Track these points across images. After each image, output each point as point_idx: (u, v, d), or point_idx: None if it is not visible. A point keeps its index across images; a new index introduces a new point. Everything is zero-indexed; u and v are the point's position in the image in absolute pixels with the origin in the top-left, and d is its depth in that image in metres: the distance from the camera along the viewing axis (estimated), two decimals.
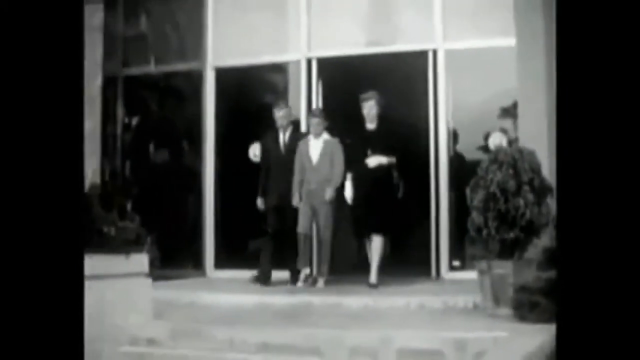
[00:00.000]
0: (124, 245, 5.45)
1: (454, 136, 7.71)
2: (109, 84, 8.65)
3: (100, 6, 8.33)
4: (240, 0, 8.51)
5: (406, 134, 7.28)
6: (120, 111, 8.93)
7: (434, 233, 7.58)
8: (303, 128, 7.80)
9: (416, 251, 7.71)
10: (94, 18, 8.22)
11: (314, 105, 8.06)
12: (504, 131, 7.37)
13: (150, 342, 5.28)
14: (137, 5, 8.98)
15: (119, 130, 8.92)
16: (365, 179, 6.91)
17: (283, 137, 7.42)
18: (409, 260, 7.73)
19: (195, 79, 8.64)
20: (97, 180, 7.12)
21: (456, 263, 7.46)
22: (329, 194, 7.06)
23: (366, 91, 7.03)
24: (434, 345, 4.65)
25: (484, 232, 5.46)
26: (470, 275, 5.88)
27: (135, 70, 8.96)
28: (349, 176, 7.03)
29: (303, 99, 8.06)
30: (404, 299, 6.12)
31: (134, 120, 9.10)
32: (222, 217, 8.37)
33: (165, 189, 8.66)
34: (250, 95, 7.55)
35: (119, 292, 5.27)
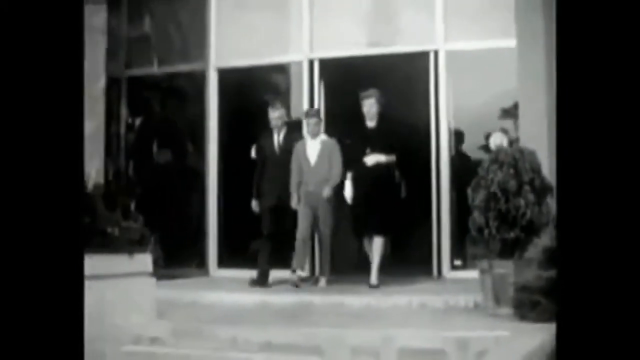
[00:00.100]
0: (128, 245, 5.45)
1: (455, 136, 7.72)
2: (112, 84, 8.68)
3: (104, 7, 8.36)
4: (243, 2, 8.52)
5: (406, 133, 7.27)
6: (123, 112, 8.95)
7: (435, 232, 7.59)
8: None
9: (418, 250, 7.73)
10: (97, 19, 8.25)
11: (316, 106, 8.07)
12: (504, 131, 7.37)
13: (154, 341, 5.27)
14: (140, 6, 8.99)
15: (122, 130, 8.93)
16: (365, 178, 6.88)
17: (278, 138, 7.36)
18: (410, 259, 7.75)
19: (198, 80, 8.65)
20: (101, 180, 7.11)
21: (457, 262, 7.46)
22: (326, 192, 7.03)
23: (366, 89, 7.01)
24: (435, 344, 4.65)
25: (485, 231, 5.48)
26: (472, 274, 5.89)
27: (138, 71, 8.98)
28: (348, 175, 6.99)
29: (305, 99, 8.07)
30: (405, 298, 6.14)
31: (137, 121, 9.11)
32: (225, 216, 8.38)
33: (169, 189, 8.67)
34: (253, 96, 7.58)
35: (122, 292, 5.27)
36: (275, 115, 7.32)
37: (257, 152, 7.51)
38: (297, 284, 6.94)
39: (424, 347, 4.66)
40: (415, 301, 6.06)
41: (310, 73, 8.19)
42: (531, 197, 5.40)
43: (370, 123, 7.01)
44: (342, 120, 7.61)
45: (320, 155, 7.12)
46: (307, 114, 7.37)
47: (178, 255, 8.04)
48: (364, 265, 6.98)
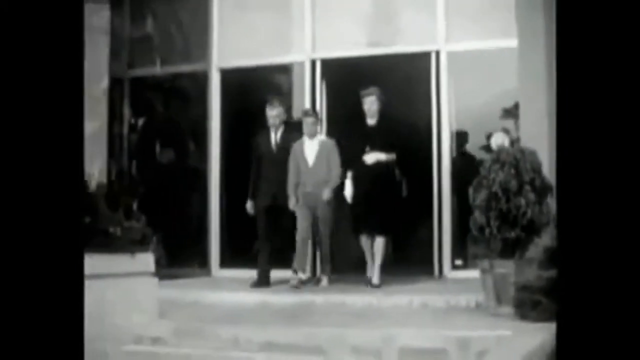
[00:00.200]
0: (130, 245, 5.49)
1: (458, 137, 7.73)
2: (115, 85, 8.71)
3: (107, 8, 8.39)
4: (245, 2, 8.54)
5: (407, 132, 7.26)
6: (126, 112, 8.97)
7: (436, 232, 7.60)
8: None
9: (419, 250, 7.74)
10: (100, 20, 8.28)
11: (318, 106, 8.09)
12: (505, 131, 7.36)
13: (156, 340, 5.31)
14: (142, 7, 9.02)
15: (125, 130, 8.96)
16: (365, 177, 6.85)
17: (275, 136, 7.31)
18: (411, 259, 7.77)
19: (200, 80, 8.67)
20: (104, 180, 7.14)
21: (459, 262, 7.46)
22: (326, 194, 7.00)
23: (366, 86, 6.99)
24: (436, 344, 4.67)
25: (486, 231, 5.49)
26: (473, 274, 5.89)
27: (141, 72, 9.01)
28: (348, 174, 6.96)
29: (307, 99, 8.09)
30: (406, 297, 6.15)
31: (140, 121, 9.13)
32: (227, 216, 8.39)
33: (171, 188, 8.69)
34: (255, 96, 7.59)
35: (124, 292, 5.31)
36: (273, 113, 7.27)
37: (253, 150, 7.43)
38: (297, 286, 6.91)
39: (426, 346, 4.69)
40: (417, 301, 6.07)
41: (312, 73, 8.20)
42: (532, 196, 5.41)
43: (371, 121, 6.99)
44: (343, 121, 7.62)
45: (319, 156, 7.08)
46: (305, 114, 7.32)
47: (180, 255, 8.06)
48: (365, 264, 6.96)
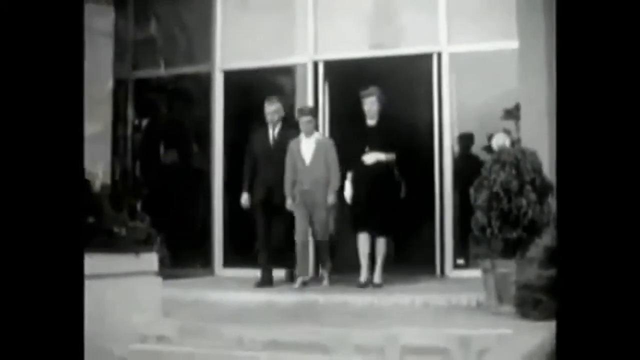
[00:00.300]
0: (134, 245, 5.50)
1: (462, 138, 7.76)
2: (119, 86, 8.75)
3: (111, 10, 8.44)
4: (248, 4, 8.57)
5: (408, 133, 7.26)
6: (130, 113, 9.00)
7: (438, 232, 7.64)
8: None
9: (421, 250, 7.76)
10: (104, 22, 8.34)
11: (320, 107, 8.13)
12: (506, 132, 7.39)
13: (160, 339, 5.33)
14: (146, 9, 9.05)
15: (129, 131, 8.98)
16: (364, 177, 6.81)
17: (273, 133, 7.24)
18: (413, 258, 7.76)
19: (203, 82, 8.71)
20: (108, 180, 7.18)
21: (460, 261, 7.48)
22: (331, 199, 6.97)
23: (367, 87, 6.97)
24: (438, 342, 4.69)
25: (488, 231, 5.50)
26: (474, 273, 5.90)
27: (145, 73, 9.04)
28: (348, 175, 6.92)
29: (310, 101, 8.12)
30: (408, 297, 6.16)
31: (144, 122, 9.14)
32: (230, 217, 8.41)
33: (175, 189, 8.72)
34: (258, 98, 7.61)
35: (128, 291, 5.33)
36: (271, 109, 7.21)
37: (250, 145, 7.36)
38: (300, 289, 6.89)
39: (427, 345, 4.70)
40: (418, 300, 6.08)
41: (314, 75, 8.25)
42: (533, 196, 5.42)
43: (371, 121, 6.95)
44: (346, 121, 7.64)
45: (316, 154, 7.01)
46: (301, 112, 7.23)
47: (184, 255, 8.07)
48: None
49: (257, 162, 7.25)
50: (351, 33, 8.20)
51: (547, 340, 4.13)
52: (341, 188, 7.00)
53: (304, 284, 6.96)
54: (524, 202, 5.42)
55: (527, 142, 6.21)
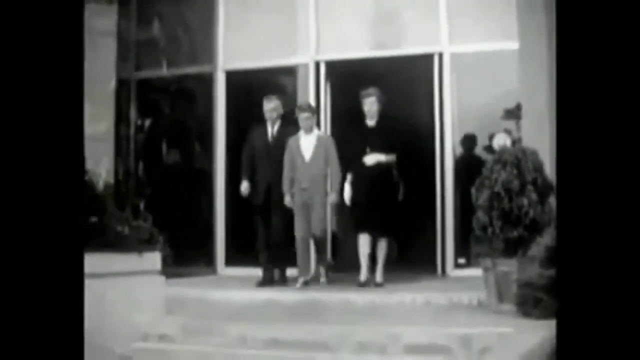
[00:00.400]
0: (138, 244, 5.52)
1: (465, 139, 7.79)
2: (122, 86, 8.79)
3: (115, 11, 8.47)
4: (250, 5, 8.60)
5: (408, 133, 7.24)
6: (133, 113, 9.02)
7: (439, 231, 7.66)
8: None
9: (422, 249, 7.78)
10: (108, 23, 8.38)
11: (322, 107, 8.15)
12: (507, 132, 7.41)
13: (162, 338, 5.35)
14: (149, 10, 9.08)
15: (132, 131, 8.99)
16: (364, 178, 6.78)
17: (271, 130, 7.22)
18: (415, 258, 7.78)
19: (206, 82, 8.73)
20: (111, 180, 7.20)
21: (461, 261, 7.50)
22: (333, 198, 6.96)
23: (367, 87, 6.95)
24: (439, 341, 4.71)
25: (489, 230, 5.52)
26: (475, 272, 5.91)
27: (147, 74, 9.07)
28: (348, 177, 6.89)
29: (311, 101, 8.14)
30: (410, 295, 6.16)
31: (147, 122, 9.16)
32: (233, 216, 8.44)
33: (177, 189, 8.74)
34: (260, 97, 7.64)
35: (132, 290, 5.36)
36: (270, 106, 7.19)
37: (248, 141, 7.32)
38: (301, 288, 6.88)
39: (429, 343, 4.72)
40: (420, 299, 6.09)
41: (316, 75, 8.28)
42: (534, 196, 5.43)
43: (371, 122, 6.93)
44: (347, 122, 7.66)
45: (316, 151, 6.97)
46: (299, 109, 7.17)
47: (186, 254, 8.06)
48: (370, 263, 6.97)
49: (256, 159, 7.23)
50: (353, 33, 8.23)
51: (547, 338, 4.14)
52: (340, 189, 6.98)
53: (306, 283, 6.96)
54: (525, 201, 5.44)
55: (527, 142, 6.23)
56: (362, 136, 6.90)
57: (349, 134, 7.21)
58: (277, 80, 8.72)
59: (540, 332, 4.35)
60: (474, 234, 5.70)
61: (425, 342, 4.75)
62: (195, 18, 8.97)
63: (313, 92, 8.24)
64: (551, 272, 4.73)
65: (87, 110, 3.73)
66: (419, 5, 8.03)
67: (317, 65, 8.30)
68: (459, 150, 7.82)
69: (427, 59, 7.85)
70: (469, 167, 7.42)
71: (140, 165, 9.04)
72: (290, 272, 7.22)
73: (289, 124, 7.26)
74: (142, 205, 7.02)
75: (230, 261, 8.43)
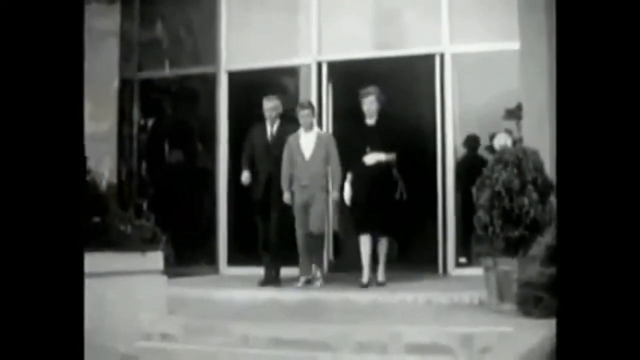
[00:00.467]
0: (140, 244, 5.54)
1: (460, 137, 7.81)
2: (125, 86, 8.82)
3: (117, 11, 8.50)
4: (253, 6, 8.62)
5: (409, 132, 7.24)
6: (136, 113, 9.04)
7: (441, 231, 7.68)
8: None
9: (423, 248, 7.78)
10: (110, 23, 8.41)
11: (324, 107, 8.17)
12: (508, 132, 7.43)
13: (165, 337, 5.37)
14: (152, 10, 9.11)
15: (134, 131, 9.01)
16: (364, 178, 6.75)
17: (271, 129, 7.21)
18: (416, 257, 7.78)
19: (208, 82, 8.76)
20: (114, 180, 7.23)
21: (462, 260, 7.53)
22: (334, 195, 6.94)
23: (366, 87, 6.94)
24: (440, 340, 4.72)
25: (490, 230, 5.52)
26: (476, 271, 5.91)
27: (150, 74, 9.09)
28: (348, 177, 6.87)
29: (314, 101, 8.15)
30: (411, 295, 6.17)
31: (150, 122, 9.18)
32: (235, 216, 8.47)
33: (180, 188, 8.77)
34: (262, 98, 7.66)
35: (134, 289, 5.38)
36: (269, 105, 7.18)
37: (247, 141, 7.31)
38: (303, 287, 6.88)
39: (430, 342, 4.73)
40: (421, 298, 6.09)
41: (318, 75, 8.31)
42: (534, 196, 5.44)
43: (370, 121, 6.91)
44: (347, 121, 7.67)
45: (316, 149, 6.96)
46: (300, 106, 7.15)
47: (189, 253, 8.10)
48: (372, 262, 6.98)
49: (255, 157, 7.23)
50: (354, 34, 8.25)
51: (547, 338, 4.15)
52: (341, 188, 6.97)
53: (307, 282, 6.96)
54: (525, 201, 5.44)
55: (528, 142, 6.24)
56: (361, 135, 6.88)
57: (348, 133, 7.21)
58: (279, 81, 8.74)
59: (541, 331, 4.36)
60: (475, 233, 5.70)
61: (426, 342, 4.75)
62: (198, 18, 8.99)
63: (315, 92, 8.27)
64: (551, 271, 4.73)
65: (89, 110, 3.75)
66: (420, 6, 8.06)
67: (319, 65, 8.33)
68: (462, 150, 7.83)
69: (429, 59, 7.88)
70: (472, 167, 7.42)
71: (143, 165, 9.06)
72: (292, 271, 7.23)
73: (289, 123, 7.26)
74: (144, 205, 7.02)
75: (232, 261, 8.45)
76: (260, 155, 7.21)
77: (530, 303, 5.00)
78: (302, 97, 8.28)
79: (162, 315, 5.58)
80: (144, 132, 9.14)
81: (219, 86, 8.68)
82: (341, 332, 4.99)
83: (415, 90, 8.02)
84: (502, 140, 7.14)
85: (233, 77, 8.67)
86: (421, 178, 7.60)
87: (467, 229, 6.33)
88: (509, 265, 5.38)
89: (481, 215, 5.60)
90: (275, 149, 7.10)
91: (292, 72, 8.66)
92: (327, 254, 8.07)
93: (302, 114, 7.03)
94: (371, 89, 6.90)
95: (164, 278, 5.75)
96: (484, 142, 7.69)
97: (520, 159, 5.55)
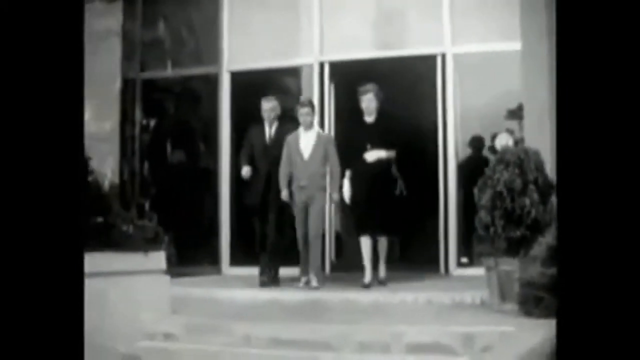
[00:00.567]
0: (143, 243, 5.56)
1: (462, 137, 7.81)
2: (127, 87, 8.84)
3: (119, 11, 8.52)
4: (255, 6, 8.64)
5: (411, 132, 7.24)
6: (138, 113, 9.05)
7: (442, 231, 7.70)
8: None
9: (425, 248, 7.80)
10: (113, 23, 8.43)
11: (326, 108, 8.18)
12: (510, 132, 7.45)
13: (167, 337, 5.38)
14: (154, 11, 9.12)
15: (137, 131, 9.02)
16: (364, 176, 6.72)
17: (269, 130, 7.18)
18: (418, 257, 7.81)
19: (211, 82, 8.78)
20: (116, 180, 7.25)
21: (464, 260, 7.55)
22: (335, 197, 6.91)
23: (365, 84, 6.92)
24: (442, 339, 4.72)
25: (491, 230, 5.52)
26: (478, 271, 5.93)
27: (152, 74, 9.11)
28: (347, 174, 6.84)
29: (316, 101, 8.17)
30: (412, 295, 6.16)
31: (152, 122, 9.19)
32: (237, 216, 8.47)
33: (182, 188, 8.79)
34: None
35: (137, 289, 5.40)
36: (268, 106, 7.15)
37: (247, 141, 7.29)
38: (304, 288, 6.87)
39: (431, 342, 4.73)
40: (423, 298, 6.09)
41: (320, 75, 8.32)
42: (536, 196, 5.44)
43: (369, 118, 6.88)
44: (347, 119, 7.67)
45: (315, 149, 6.90)
46: (300, 105, 7.08)
47: (191, 253, 8.11)
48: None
49: (254, 158, 7.20)
50: (356, 34, 8.27)
51: (548, 338, 4.15)
52: (340, 187, 6.94)
53: (308, 282, 6.94)
54: (527, 201, 5.44)
55: (530, 142, 6.25)
56: (361, 133, 6.85)
57: (348, 131, 7.20)
58: (281, 81, 8.76)
59: (542, 331, 4.36)
60: (477, 233, 5.70)
61: (427, 341, 4.76)
62: (200, 19, 9.01)
63: (317, 92, 8.28)
64: (552, 271, 4.72)
65: (92, 110, 3.77)
66: (422, 6, 8.08)
67: (321, 65, 8.34)
68: (467, 151, 7.84)
69: (430, 59, 7.90)
70: (477, 168, 7.42)
71: (145, 165, 9.06)
72: (293, 271, 7.24)
73: (288, 123, 7.23)
74: (147, 205, 7.05)
75: (234, 261, 8.46)
76: (258, 156, 7.19)
77: (531, 303, 5.01)
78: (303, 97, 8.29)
79: (165, 315, 5.60)
80: (146, 132, 9.16)
81: (221, 86, 8.69)
82: (343, 332, 5.00)
83: (417, 90, 8.04)
84: (503, 141, 7.15)
85: (235, 77, 8.68)
86: (423, 178, 7.62)
87: (468, 229, 6.33)
88: (510, 265, 5.39)
89: (483, 215, 5.60)
90: (274, 149, 7.07)
91: (294, 72, 8.68)
92: (329, 254, 8.08)
93: (302, 112, 6.99)
94: (369, 86, 6.88)
95: (167, 278, 5.76)
96: (485, 142, 7.71)
97: (521, 159, 5.55)
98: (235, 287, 7.11)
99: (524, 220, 5.45)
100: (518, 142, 6.99)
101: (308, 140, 6.97)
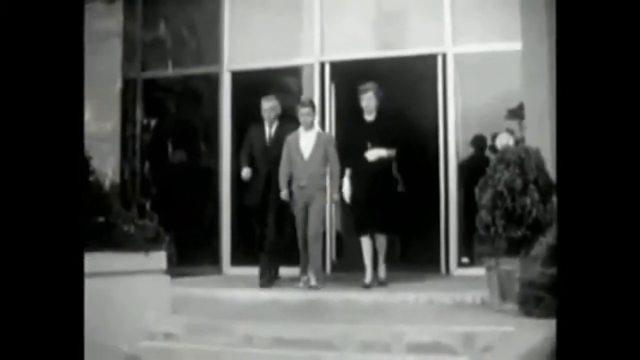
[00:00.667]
0: (143, 243, 5.56)
1: (462, 137, 7.82)
2: (128, 86, 8.85)
3: (120, 11, 8.53)
4: (256, 6, 8.65)
5: (411, 132, 7.25)
6: (139, 113, 9.06)
7: (443, 231, 7.69)
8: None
9: (426, 248, 7.80)
10: (114, 23, 8.44)
11: (327, 108, 8.19)
12: (510, 132, 7.45)
13: (168, 337, 5.39)
14: (155, 11, 9.13)
15: (138, 131, 9.03)
16: (365, 175, 6.71)
17: (269, 130, 7.17)
18: (418, 257, 7.81)
19: (211, 82, 8.78)
20: (117, 179, 7.25)
21: (465, 260, 7.55)
22: (336, 197, 6.90)
23: (364, 83, 6.92)
24: (442, 339, 4.73)
25: (492, 230, 5.52)
26: (478, 271, 5.93)
27: (153, 74, 9.12)
28: (347, 173, 6.83)
29: (316, 101, 8.17)
30: (413, 294, 6.17)
31: (153, 122, 9.20)
32: (238, 215, 8.47)
33: (183, 188, 8.79)
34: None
35: (137, 289, 5.40)
36: (268, 106, 7.14)
37: (246, 141, 7.28)
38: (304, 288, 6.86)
39: (432, 342, 4.74)
40: (423, 298, 6.10)
41: (321, 75, 8.33)
42: (536, 195, 5.44)
43: (369, 117, 6.88)
44: (347, 118, 7.67)
45: (315, 149, 6.89)
46: (301, 104, 7.07)
47: (192, 253, 8.09)
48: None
49: (254, 158, 7.19)
50: (357, 34, 8.28)
51: (548, 337, 4.15)
52: (340, 186, 6.93)
53: (307, 282, 6.92)
54: (527, 201, 5.45)
55: (530, 142, 6.25)
56: (361, 132, 6.84)
57: (348, 129, 7.19)
58: (282, 81, 8.76)
59: (542, 331, 4.37)
60: (477, 233, 5.70)
61: (428, 341, 4.77)
62: (201, 19, 9.02)
63: (318, 92, 8.29)
64: (553, 271, 4.72)
65: (93, 110, 3.77)
66: (422, 6, 8.08)
67: (322, 65, 8.35)
68: (469, 151, 7.83)
69: (431, 59, 7.90)
70: (479, 167, 7.42)
71: (146, 164, 9.07)
72: (293, 271, 7.24)
73: (288, 123, 7.22)
74: (148, 205, 7.04)
75: (235, 261, 8.46)
76: (258, 156, 7.18)
77: (531, 303, 5.01)
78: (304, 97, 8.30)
79: (165, 315, 5.60)
80: (147, 132, 9.16)
81: (222, 86, 8.70)
82: (344, 332, 5.00)
83: (417, 90, 8.04)
84: (504, 140, 7.15)
85: (236, 77, 8.68)
86: (424, 178, 7.63)
87: (469, 229, 6.33)
88: (511, 265, 5.39)
89: (483, 215, 5.60)
90: (274, 150, 7.05)
91: (295, 72, 8.68)
92: (330, 254, 8.09)
93: (302, 112, 6.98)
94: (369, 85, 6.87)
95: (167, 278, 5.76)
96: (487, 141, 7.70)
97: (522, 159, 5.55)
98: (236, 287, 7.11)
99: (524, 220, 5.46)
100: (518, 141, 6.99)
101: (308, 140, 6.96)
